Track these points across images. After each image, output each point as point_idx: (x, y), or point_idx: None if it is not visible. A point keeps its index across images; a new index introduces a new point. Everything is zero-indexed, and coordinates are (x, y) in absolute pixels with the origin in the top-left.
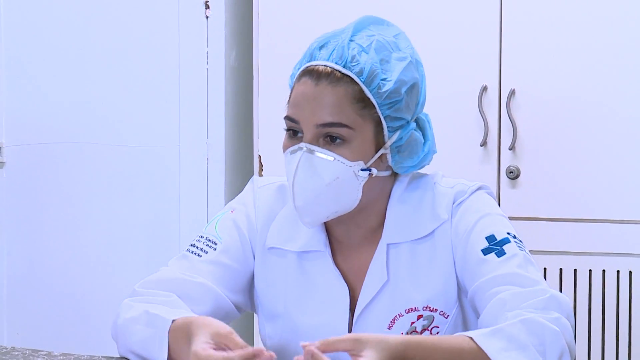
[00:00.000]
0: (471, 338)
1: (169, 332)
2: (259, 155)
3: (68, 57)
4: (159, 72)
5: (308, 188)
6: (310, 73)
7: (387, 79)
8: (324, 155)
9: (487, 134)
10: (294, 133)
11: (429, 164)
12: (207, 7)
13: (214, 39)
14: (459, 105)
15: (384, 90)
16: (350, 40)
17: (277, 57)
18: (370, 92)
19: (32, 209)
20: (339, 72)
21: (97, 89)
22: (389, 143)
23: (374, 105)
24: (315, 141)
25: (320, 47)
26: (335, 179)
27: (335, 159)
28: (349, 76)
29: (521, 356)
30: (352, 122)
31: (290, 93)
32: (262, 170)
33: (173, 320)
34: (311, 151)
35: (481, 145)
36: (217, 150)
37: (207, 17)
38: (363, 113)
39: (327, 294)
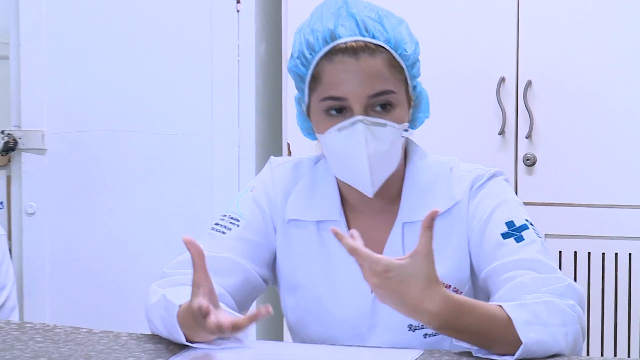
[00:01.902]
0: (501, 307)
1: (177, 317)
2: (288, 143)
3: (106, 49)
4: (193, 63)
5: (377, 157)
6: (344, 51)
7: (407, 42)
8: (380, 123)
9: (504, 123)
10: (337, 111)
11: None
12: (238, 1)
13: (245, 32)
14: (478, 96)
15: (409, 53)
16: (358, 14)
17: None
18: (400, 56)
19: (72, 193)
20: (373, 43)
21: (134, 79)
22: (413, 101)
23: (402, 68)
24: (365, 112)
25: (335, 27)
26: (391, 143)
27: (388, 124)
28: (381, 45)
29: (543, 332)
30: (395, 87)
31: (314, 79)
32: (290, 156)
33: (180, 305)
34: (369, 122)
35: (499, 134)
36: (247, 137)
37: (238, 11)
38: (398, 78)
39: (346, 264)
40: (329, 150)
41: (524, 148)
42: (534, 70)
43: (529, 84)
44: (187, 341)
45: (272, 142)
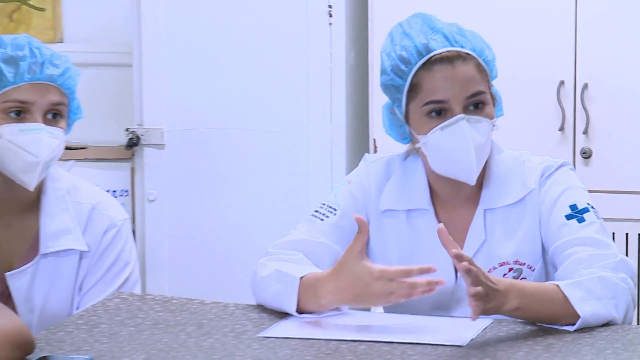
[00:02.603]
0: (557, 285)
1: (299, 286)
2: (374, 139)
3: (217, 57)
4: (293, 70)
5: (479, 148)
6: (440, 60)
7: (486, 50)
8: (478, 119)
9: (564, 121)
10: (437, 113)
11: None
12: (330, 15)
13: (336, 43)
14: (541, 97)
15: (490, 59)
16: (444, 28)
17: None
18: (484, 61)
19: (187, 182)
20: (463, 52)
21: (241, 83)
22: (495, 99)
23: (486, 72)
24: (463, 112)
25: (428, 42)
26: (487, 136)
27: (483, 120)
28: (469, 53)
29: (597, 306)
30: (484, 88)
31: (413, 88)
32: (376, 150)
33: (301, 277)
34: (470, 120)
35: (559, 130)
36: (339, 134)
37: (330, 24)
38: (485, 80)
39: (433, 248)
40: (432, 148)
41: (581, 142)
42: (589, 74)
43: (585, 86)
44: (296, 311)
45: (360, 138)
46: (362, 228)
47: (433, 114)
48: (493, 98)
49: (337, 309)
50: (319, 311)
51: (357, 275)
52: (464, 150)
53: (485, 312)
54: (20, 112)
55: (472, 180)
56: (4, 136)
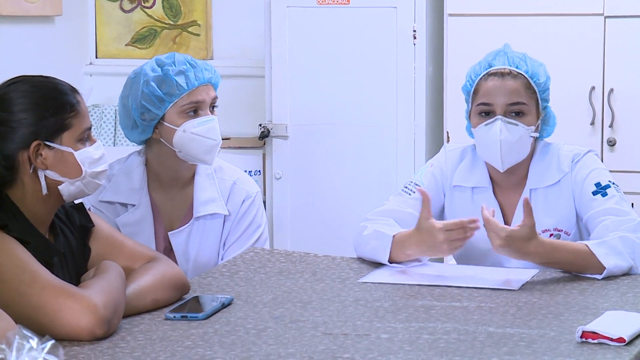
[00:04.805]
0: (586, 245)
1: (392, 242)
2: (447, 132)
3: (329, 69)
4: (385, 79)
5: (507, 144)
6: (495, 74)
7: (541, 75)
8: (513, 122)
9: (594, 117)
10: (485, 114)
11: (549, 136)
12: (414, 37)
13: (419, 58)
14: (577, 99)
15: (541, 81)
16: (509, 53)
17: (459, 70)
18: (534, 83)
19: (304, 165)
20: (516, 71)
21: (345, 89)
22: (541, 116)
23: (536, 92)
24: (504, 115)
25: (493, 60)
26: (519, 138)
27: (519, 125)
28: (521, 74)
29: (618, 259)
30: (527, 101)
31: (474, 92)
32: (448, 141)
33: (393, 235)
34: (505, 120)
35: (590, 124)
36: (420, 128)
37: (414, 44)
38: (531, 97)
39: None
40: (477, 139)
41: (607, 134)
42: (614, 82)
43: (611, 91)
44: (388, 261)
45: (436, 131)
46: (425, 199)
47: (483, 113)
48: (539, 114)
49: (418, 260)
50: (405, 261)
51: (428, 230)
52: (494, 143)
53: (517, 242)
54: (195, 110)
55: (500, 168)
56: (187, 130)
